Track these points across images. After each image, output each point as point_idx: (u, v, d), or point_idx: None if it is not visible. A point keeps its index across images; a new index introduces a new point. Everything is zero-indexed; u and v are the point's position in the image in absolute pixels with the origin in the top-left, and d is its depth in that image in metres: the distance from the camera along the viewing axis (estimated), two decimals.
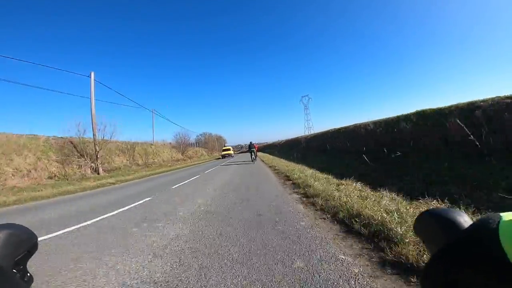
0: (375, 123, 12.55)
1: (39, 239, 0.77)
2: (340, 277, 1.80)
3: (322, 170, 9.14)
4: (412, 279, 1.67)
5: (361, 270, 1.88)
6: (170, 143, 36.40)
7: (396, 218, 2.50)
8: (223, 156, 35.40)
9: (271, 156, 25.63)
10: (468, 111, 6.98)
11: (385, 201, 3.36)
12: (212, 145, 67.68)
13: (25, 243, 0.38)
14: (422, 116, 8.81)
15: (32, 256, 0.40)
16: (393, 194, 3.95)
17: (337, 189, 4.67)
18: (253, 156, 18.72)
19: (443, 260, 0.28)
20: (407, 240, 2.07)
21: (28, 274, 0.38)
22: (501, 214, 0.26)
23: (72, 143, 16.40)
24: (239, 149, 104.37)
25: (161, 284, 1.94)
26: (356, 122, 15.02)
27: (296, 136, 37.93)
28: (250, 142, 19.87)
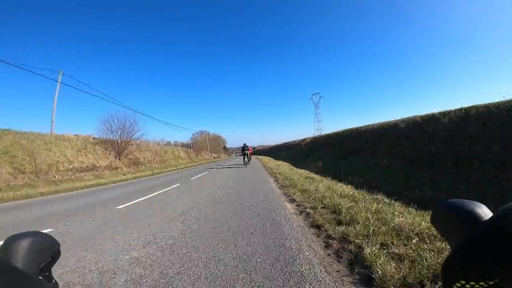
0: None
1: None
2: None
3: None
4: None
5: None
6: (91, 136, 19.40)
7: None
8: None
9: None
10: None
11: None
12: (200, 145, 50.51)
13: (48, 250, 0.39)
14: None
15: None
16: None
17: None
18: (246, 160, 15.88)
19: (467, 254, 0.27)
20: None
21: (54, 280, 0.39)
22: None
23: None
24: (240, 151, 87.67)
25: None
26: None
27: (336, 130, 20.72)
28: (244, 144, 16.46)
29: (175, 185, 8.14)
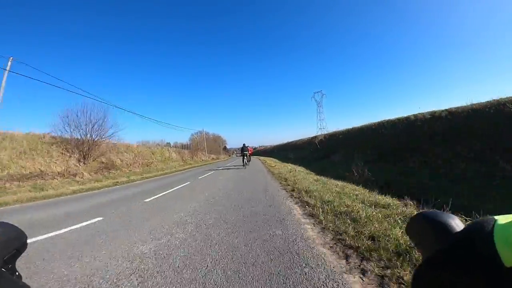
0: None
1: None
2: None
3: None
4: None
5: None
6: (49, 134, 15.32)
7: None
8: None
9: None
10: None
11: None
12: (197, 146, 46.50)
13: (13, 242, 0.37)
14: None
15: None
16: None
17: None
18: (245, 161, 15.45)
19: (437, 264, 0.28)
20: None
21: (17, 273, 0.38)
22: (496, 217, 0.26)
23: None
24: (240, 152, 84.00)
25: None
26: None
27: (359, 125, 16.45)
28: (243, 145, 16.04)
29: (93, 220, 3.92)
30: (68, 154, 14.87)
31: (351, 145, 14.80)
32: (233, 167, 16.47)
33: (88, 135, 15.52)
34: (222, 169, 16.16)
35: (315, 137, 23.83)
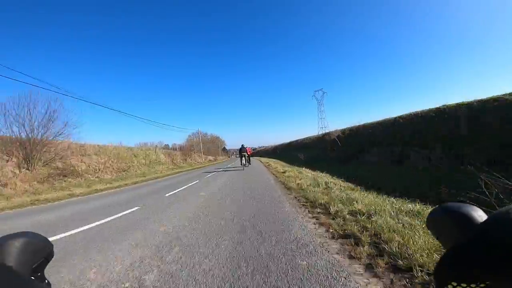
0: None
1: None
2: None
3: None
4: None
5: None
6: None
7: None
8: None
9: None
10: None
11: None
12: (190, 147, 42.96)
13: (41, 251, 0.39)
14: None
15: None
16: None
17: None
18: (243, 161, 15.84)
19: (460, 255, 0.28)
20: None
21: (46, 281, 0.39)
22: None
23: None
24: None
25: None
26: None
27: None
28: (242, 145, 16.38)
29: None
30: (7, 158, 11.16)
31: (396, 141, 11.06)
32: (231, 169, 15.55)
33: (35, 132, 11.76)
34: (214, 174, 12.55)
35: (328, 133, 20.13)
